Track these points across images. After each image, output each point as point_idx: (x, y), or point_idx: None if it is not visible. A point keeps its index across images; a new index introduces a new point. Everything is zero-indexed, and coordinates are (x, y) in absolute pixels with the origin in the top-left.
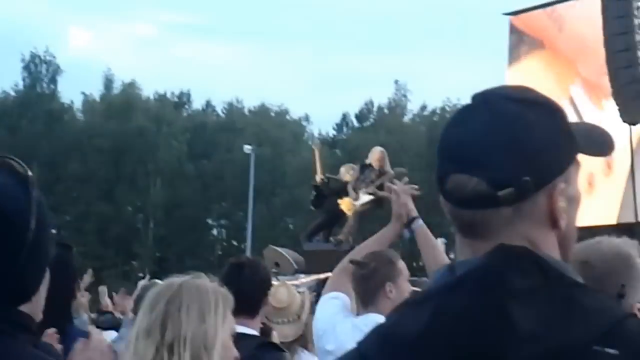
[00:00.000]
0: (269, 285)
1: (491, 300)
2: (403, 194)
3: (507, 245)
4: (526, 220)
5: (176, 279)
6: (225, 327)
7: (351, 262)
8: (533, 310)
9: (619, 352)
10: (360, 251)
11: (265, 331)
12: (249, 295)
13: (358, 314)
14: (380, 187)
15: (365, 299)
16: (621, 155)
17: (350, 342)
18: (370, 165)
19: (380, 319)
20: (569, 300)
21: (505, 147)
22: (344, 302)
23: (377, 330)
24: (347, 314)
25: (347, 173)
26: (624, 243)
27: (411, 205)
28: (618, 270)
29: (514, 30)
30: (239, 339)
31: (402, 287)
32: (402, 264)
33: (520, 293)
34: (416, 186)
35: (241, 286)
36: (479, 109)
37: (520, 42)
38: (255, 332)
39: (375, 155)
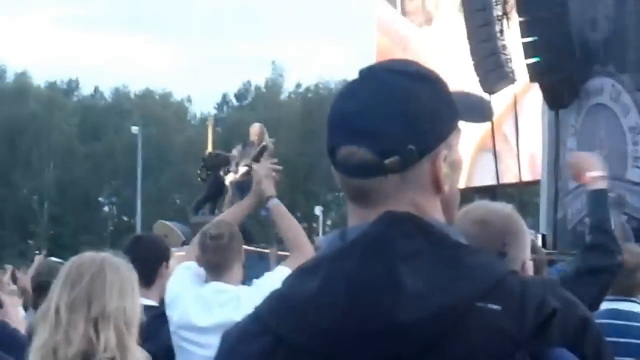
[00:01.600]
0: (166, 256)
1: (380, 263)
2: (262, 172)
3: (393, 211)
4: (412, 187)
5: (96, 255)
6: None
7: (204, 234)
8: (419, 271)
9: (502, 307)
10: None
11: None
12: (144, 264)
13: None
14: (257, 159)
15: (219, 269)
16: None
17: (192, 312)
18: (252, 141)
19: (223, 287)
20: (453, 260)
21: (391, 117)
22: (196, 271)
23: (274, 294)
24: (196, 283)
25: (234, 150)
26: (504, 204)
27: (267, 185)
28: (510, 228)
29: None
30: None
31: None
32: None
33: (407, 256)
34: (275, 160)
35: (137, 256)
36: (365, 82)
37: None
38: (153, 303)
39: (254, 130)
